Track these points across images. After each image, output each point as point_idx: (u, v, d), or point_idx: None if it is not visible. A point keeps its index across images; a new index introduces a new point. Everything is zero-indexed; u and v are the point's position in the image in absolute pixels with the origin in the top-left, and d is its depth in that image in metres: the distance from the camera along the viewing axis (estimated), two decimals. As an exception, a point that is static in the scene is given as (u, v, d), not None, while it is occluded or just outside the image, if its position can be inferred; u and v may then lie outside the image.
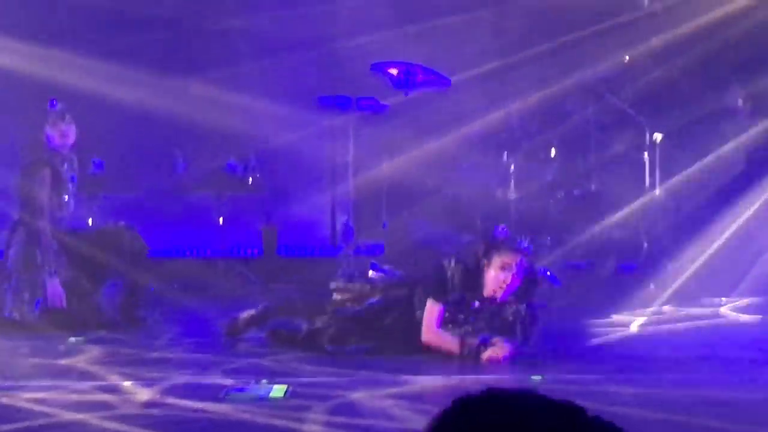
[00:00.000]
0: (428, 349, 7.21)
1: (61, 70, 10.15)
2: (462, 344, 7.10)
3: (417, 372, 6.71)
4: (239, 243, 10.66)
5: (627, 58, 10.92)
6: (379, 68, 10.40)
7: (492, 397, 1.59)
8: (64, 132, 8.49)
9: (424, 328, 7.22)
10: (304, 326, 7.67)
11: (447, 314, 7.25)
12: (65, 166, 8.57)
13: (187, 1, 11.14)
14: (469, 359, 7.04)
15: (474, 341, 7.11)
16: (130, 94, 10.34)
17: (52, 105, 8.52)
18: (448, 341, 7.16)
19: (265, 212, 10.62)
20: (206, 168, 10.44)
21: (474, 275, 7.25)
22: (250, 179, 10.40)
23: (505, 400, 1.59)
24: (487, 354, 7.02)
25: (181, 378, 6.60)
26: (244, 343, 7.82)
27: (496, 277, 7.22)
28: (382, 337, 7.43)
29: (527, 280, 7.29)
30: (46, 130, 8.47)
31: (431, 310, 7.22)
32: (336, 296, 7.72)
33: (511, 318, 7.32)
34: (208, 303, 9.49)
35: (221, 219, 10.45)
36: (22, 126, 9.09)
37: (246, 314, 7.95)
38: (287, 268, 10.31)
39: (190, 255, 10.61)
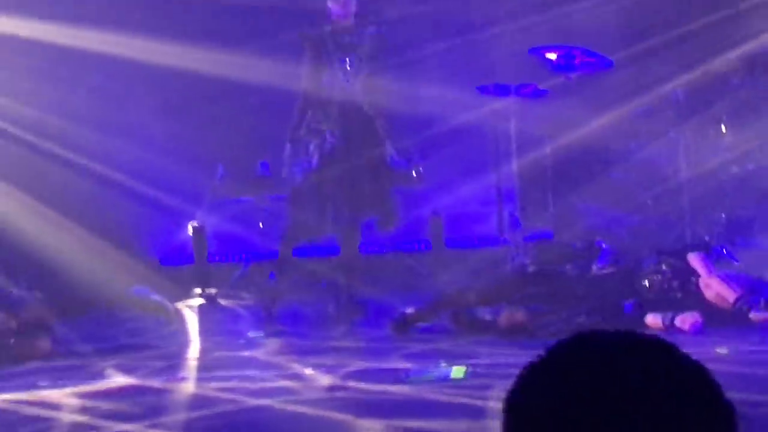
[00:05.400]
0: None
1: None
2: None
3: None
4: (404, 236, 10.55)
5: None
6: (537, 53, 10.22)
7: (582, 340, 1.58)
8: (345, 2, 8.41)
9: (703, 275, 7.65)
10: (487, 313, 7.67)
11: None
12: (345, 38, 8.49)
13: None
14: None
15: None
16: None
17: None
18: (725, 287, 7.50)
19: (431, 204, 10.53)
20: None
21: None
22: (414, 172, 10.32)
23: (595, 342, 1.57)
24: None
25: (360, 364, 6.60)
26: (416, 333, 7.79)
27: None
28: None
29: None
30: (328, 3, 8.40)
31: (698, 263, 7.72)
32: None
33: None
34: (379, 296, 9.43)
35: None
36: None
37: (413, 309, 7.97)
38: (455, 260, 10.20)
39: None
